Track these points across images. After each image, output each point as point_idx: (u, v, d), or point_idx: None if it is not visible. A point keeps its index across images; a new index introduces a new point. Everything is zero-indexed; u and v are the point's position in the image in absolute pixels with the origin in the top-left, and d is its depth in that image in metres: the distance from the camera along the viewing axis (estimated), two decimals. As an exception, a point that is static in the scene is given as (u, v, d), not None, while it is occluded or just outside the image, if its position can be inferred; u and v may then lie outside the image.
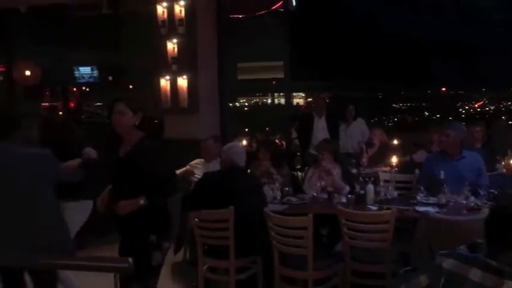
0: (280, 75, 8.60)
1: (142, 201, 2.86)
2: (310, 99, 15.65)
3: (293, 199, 4.56)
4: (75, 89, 10.77)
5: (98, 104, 13.26)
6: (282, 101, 13.13)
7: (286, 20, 8.32)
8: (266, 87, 12.60)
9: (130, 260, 1.81)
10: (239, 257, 3.93)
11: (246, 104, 17.52)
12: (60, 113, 11.86)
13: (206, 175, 4.26)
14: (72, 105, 9.95)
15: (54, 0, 6.11)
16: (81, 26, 8.27)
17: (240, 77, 9.71)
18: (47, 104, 11.55)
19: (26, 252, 2.76)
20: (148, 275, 2.97)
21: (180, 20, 5.68)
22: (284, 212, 4.10)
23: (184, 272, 4.85)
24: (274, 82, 11.27)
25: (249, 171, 4.83)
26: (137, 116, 2.99)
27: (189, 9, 5.71)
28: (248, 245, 3.95)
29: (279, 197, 4.61)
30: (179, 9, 5.68)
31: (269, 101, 14.54)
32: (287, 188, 4.71)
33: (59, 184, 3.24)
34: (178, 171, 5.16)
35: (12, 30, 7.49)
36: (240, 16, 7.92)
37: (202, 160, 5.22)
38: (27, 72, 5.85)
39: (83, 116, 10.60)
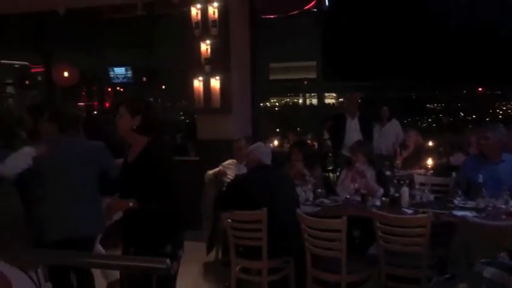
0: (313, 76, 8.55)
1: (131, 204, 2.78)
2: (342, 99, 15.51)
3: (326, 201, 4.53)
4: (109, 89, 11.01)
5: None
6: (314, 101, 13.05)
7: (319, 20, 8.27)
8: (298, 87, 12.55)
9: (168, 261, 1.84)
10: (272, 258, 3.94)
11: (277, 103, 17.49)
12: (95, 112, 12.21)
13: (237, 177, 4.27)
14: (107, 105, 10.18)
15: (91, 3, 6.25)
16: (117, 28, 8.45)
17: (272, 77, 9.71)
18: (83, 103, 11.90)
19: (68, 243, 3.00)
20: (166, 285, 2.85)
21: (214, 21, 5.72)
22: (317, 214, 4.08)
23: (216, 272, 4.89)
24: (305, 82, 11.22)
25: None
26: (135, 119, 2.87)
27: (222, 10, 5.74)
28: (281, 246, 3.94)
29: (311, 199, 4.59)
30: (213, 11, 5.71)
31: (300, 101, 14.48)
32: (320, 190, 4.68)
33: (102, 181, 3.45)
34: (211, 172, 5.22)
35: (51, 32, 7.73)
36: (273, 16, 7.91)
37: (234, 161, 5.24)
38: (66, 74, 6.02)
39: (117, 116, 10.80)
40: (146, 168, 2.83)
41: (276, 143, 8.07)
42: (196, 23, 5.78)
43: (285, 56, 9.10)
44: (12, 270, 1.66)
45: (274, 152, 7.42)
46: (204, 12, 5.76)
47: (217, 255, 5.13)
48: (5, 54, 9.49)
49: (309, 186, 4.67)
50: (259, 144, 4.39)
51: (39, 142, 3.47)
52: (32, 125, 3.94)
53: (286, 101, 17.39)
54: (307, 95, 13.35)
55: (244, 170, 4.68)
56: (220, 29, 5.73)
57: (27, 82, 10.33)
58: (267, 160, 4.15)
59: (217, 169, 5.20)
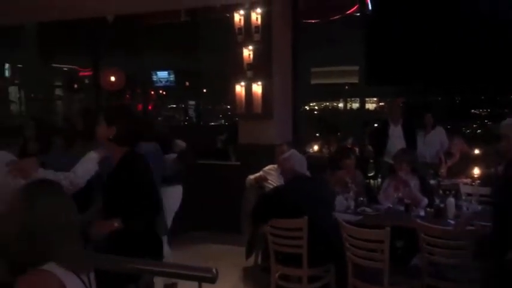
0: (355, 80, 8.45)
1: (116, 224, 2.63)
2: (382, 104, 15.21)
3: (368, 209, 4.47)
4: (152, 92, 11.26)
5: (172, 106, 13.79)
6: (354, 105, 12.90)
7: (361, 24, 8.18)
8: (339, 91, 12.43)
9: (214, 270, 1.87)
10: (312, 265, 3.92)
11: (316, 107, 17.36)
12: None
13: (275, 190, 4.26)
14: (150, 107, 10.42)
15: (137, 10, 6.43)
16: (160, 32, 8.65)
17: (314, 81, 9.67)
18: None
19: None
20: None
21: (256, 27, 5.76)
22: (359, 223, 4.03)
23: (255, 277, 4.90)
24: (346, 87, 11.12)
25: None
26: (111, 129, 2.73)
27: (265, 16, 5.77)
28: (321, 254, 3.92)
29: (352, 207, 4.54)
30: (255, 17, 5.76)
31: (340, 104, 14.33)
32: (361, 198, 4.62)
33: None
34: (252, 177, 5.24)
35: (99, 37, 8.02)
36: (314, 21, 7.87)
37: (275, 166, 5.22)
38: (113, 78, 6.21)
39: (159, 118, 11.07)
40: (122, 183, 2.69)
41: (315, 148, 8.01)
42: (239, 29, 5.84)
43: (326, 61, 9.04)
44: (65, 273, 1.71)
45: (314, 157, 7.44)
46: (247, 18, 5.81)
47: (257, 260, 5.14)
48: (55, 58, 9.89)
49: (351, 193, 4.62)
50: (293, 152, 4.34)
51: (95, 146, 3.54)
52: (84, 128, 4.01)
53: (326, 105, 17.23)
54: (347, 99, 13.22)
55: (285, 176, 4.68)
56: (263, 35, 5.77)
57: (75, 86, 10.72)
58: (303, 168, 4.11)
59: (258, 174, 5.22)
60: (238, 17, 5.85)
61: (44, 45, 8.59)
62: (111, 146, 2.78)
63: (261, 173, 5.22)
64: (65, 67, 11.80)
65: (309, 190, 3.99)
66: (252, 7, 5.77)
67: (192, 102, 11.32)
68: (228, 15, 6.13)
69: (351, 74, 8.92)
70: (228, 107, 13.92)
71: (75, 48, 9.69)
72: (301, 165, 4.11)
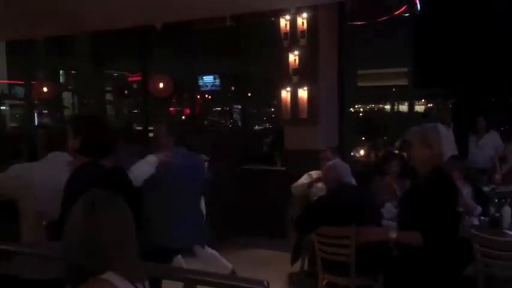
0: (404, 82, 8.25)
1: None
2: (431, 105, 14.75)
3: (417, 217, 4.34)
4: (198, 96, 11.45)
5: (217, 108, 13.97)
6: (401, 107, 12.59)
7: (409, 25, 7.98)
8: (386, 93, 12.17)
9: (265, 282, 1.87)
10: (360, 274, 3.85)
11: (361, 109, 17.06)
12: (183, 117, 12.80)
13: (318, 201, 4.21)
14: (197, 111, 10.61)
15: (184, 18, 6.56)
16: (206, 38, 8.78)
17: (361, 84, 9.52)
18: (173, 109, 12.54)
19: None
20: None
21: (302, 32, 5.74)
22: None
23: (301, 283, 4.88)
24: (394, 89, 10.87)
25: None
26: (76, 140, 2.64)
27: (311, 21, 5.75)
28: (369, 262, 3.85)
29: (401, 215, 4.43)
30: (301, 22, 5.74)
31: (387, 106, 14.01)
32: (411, 205, 4.49)
33: None
34: (300, 183, 5.17)
35: (147, 43, 8.27)
36: (360, 23, 7.76)
37: (319, 172, 5.15)
38: (161, 85, 6.37)
39: (205, 122, 11.24)
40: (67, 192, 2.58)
41: (361, 152, 7.88)
42: (285, 34, 5.84)
43: (374, 63, 8.89)
44: (122, 281, 1.77)
45: (360, 162, 7.31)
46: (293, 23, 5.80)
47: (303, 266, 5.11)
48: (106, 64, 10.27)
49: (400, 201, 4.51)
50: (336, 161, 4.27)
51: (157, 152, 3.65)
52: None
53: (372, 107, 16.89)
54: (395, 101, 12.92)
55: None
56: (309, 40, 5.75)
57: (125, 92, 11.07)
58: (347, 177, 4.04)
59: (305, 179, 5.14)
60: (284, 22, 5.85)
61: (96, 52, 8.94)
62: (79, 158, 2.71)
63: (309, 177, 5.14)
64: (115, 73, 12.24)
65: (354, 198, 3.93)
66: (297, 12, 5.76)
67: (237, 106, 11.42)
68: (273, 19, 6.15)
69: (399, 76, 8.71)
70: (273, 109, 13.97)
71: (125, 54, 10.04)
72: (345, 174, 4.04)
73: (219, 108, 14.09)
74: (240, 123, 10.17)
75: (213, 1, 5.42)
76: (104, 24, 6.81)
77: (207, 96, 12.06)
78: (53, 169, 2.84)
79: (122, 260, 1.80)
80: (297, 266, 5.09)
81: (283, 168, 6.13)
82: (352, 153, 7.49)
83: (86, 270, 1.77)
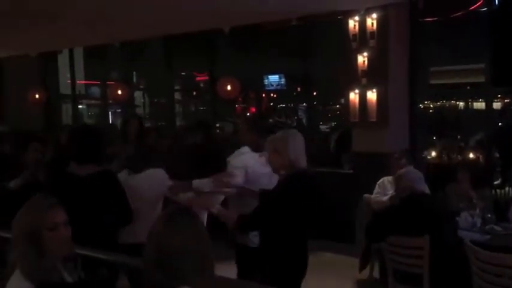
0: (480, 79, 7.79)
1: None
2: (507, 100, 13.81)
3: (497, 228, 4.13)
4: (264, 95, 11.51)
5: (281, 105, 13.96)
6: (476, 104, 11.91)
7: (487, 19, 7.50)
8: (460, 90, 11.54)
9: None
10: (434, 286, 3.72)
11: (431, 105, 16.29)
12: (248, 114, 12.92)
13: (390, 210, 4.10)
14: (263, 109, 10.65)
15: (251, 21, 6.65)
16: (272, 38, 8.80)
17: (433, 81, 9.11)
18: (239, 106, 12.72)
19: None
20: None
21: (372, 33, 5.61)
22: (486, 243, 3.74)
23: (370, 290, 4.81)
24: (468, 87, 10.31)
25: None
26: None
27: (381, 21, 5.60)
28: (444, 274, 3.72)
29: (479, 224, 4.22)
30: (371, 22, 5.61)
31: (460, 103, 13.28)
32: (489, 215, 4.28)
33: None
34: (380, 200, 5.01)
35: (215, 44, 8.47)
36: (432, 19, 7.43)
37: (390, 178, 4.99)
38: (229, 87, 6.50)
39: (270, 120, 11.27)
40: None
41: (433, 154, 7.56)
42: (354, 35, 5.74)
43: (448, 59, 8.47)
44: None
45: (432, 164, 7.03)
46: (362, 24, 5.68)
47: (371, 273, 5.03)
48: (175, 64, 10.57)
49: (477, 210, 4.31)
50: (409, 169, 4.14)
51: None
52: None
53: (443, 103, 16.09)
54: (469, 98, 12.21)
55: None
56: (379, 41, 5.61)
57: (194, 93, 11.35)
58: (420, 185, 3.90)
59: (380, 188, 5.01)
60: (352, 23, 5.74)
61: (166, 53, 9.27)
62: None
63: (380, 185, 5.00)
64: (184, 72, 12.58)
65: (428, 208, 3.80)
66: (367, 13, 5.62)
67: (302, 105, 11.36)
68: (339, 17, 6.04)
69: (475, 73, 8.23)
70: (338, 106, 13.71)
71: (193, 54, 10.30)
72: (418, 182, 3.91)
73: (284, 105, 14.08)
74: (305, 122, 10.10)
75: (280, 4, 5.44)
76: (176, 29, 7.08)
77: (272, 95, 12.08)
78: None
79: (196, 276, 1.86)
80: (364, 273, 5.01)
81: (351, 171, 6.04)
82: (423, 155, 7.22)
83: (161, 284, 1.85)
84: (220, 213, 3.30)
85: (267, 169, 3.35)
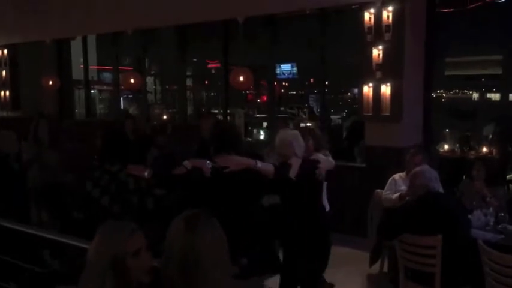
0: (498, 71, 7.66)
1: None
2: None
3: (510, 227, 4.12)
4: (275, 84, 11.46)
5: (292, 92, 13.89)
6: (491, 95, 11.73)
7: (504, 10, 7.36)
8: (477, 83, 11.35)
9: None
10: (446, 286, 3.73)
11: (444, 94, 16.03)
12: (258, 100, 12.88)
13: (404, 208, 4.09)
14: (278, 97, 10.63)
15: (266, 11, 6.59)
16: (285, 26, 8.73)
17: (448, 72, 8.99)
18: (250, 94, 12.69)
19: None
20: None
21: (387, 26, 5.52)
22: (499, 243, 3.74)
23: (380, 285, 4.83)
24: (483, 79, 10.15)
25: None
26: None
27: (397, 14, 5.51)
28: (456, 274, 3.72)
29: (492, 223, 4.21)
30: (387, 15, 5.52)
31: (475, 94, 13.05)
32: (502, 214, 4.26)
33: None
34: (391, 197, 4.98)
35: (229, 32, 8.42)
36: (447, 10, 7.30)
37: (403, 175, 4.95)
38: (241, 78, 6.46)
39: (282, 108, 11.22)
40: None
41: (446, 147, 7.50)
42: (369, 28, 5.66)
43: (465, 50, 8.35)
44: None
45: (445, 157, 6.97)
46: (378, 16, 5.60)
47: (382, 268, 5.05)
48: (188, 51, 10.54)
49: (490, 209, 4.29)
50: (424, 167, 4.09)
51: None
52: None
53: (455, 92, 15.81)
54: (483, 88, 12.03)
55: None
56: (394, 34, 5.53)
57: (206, 82, 11.30)
58: (436, 185, 3.88)
59: (391, 184, 4.98)
60: (367, 15, 5.66)
61: (179, 41, 9.24)
62: None
63: (392, 181, 4.97)
64: (195, 59, 12.52)
65: (442, 207, 3.78)
66: (383, 5, 5.54)
67: (313, 95, 11.30)
68: (353, 6, 5.97)
69: (492, 64, 8.10)
70: (349, 94, 13.59)
71: (205, 41, 10.26)
72: (433, 181, 3.88)
73: (294, 92, 13.99)
74: (316, 111, 10.05)
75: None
76: (190, 19, 7.05)
77: (284, 83, 12.04)
78: None
79: (215, 280, 1.88)
80: (375, 268, 5.03)
81: (363, 165, 6.02)
82: (436, 147, 7.17)
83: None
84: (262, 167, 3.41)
85: None
